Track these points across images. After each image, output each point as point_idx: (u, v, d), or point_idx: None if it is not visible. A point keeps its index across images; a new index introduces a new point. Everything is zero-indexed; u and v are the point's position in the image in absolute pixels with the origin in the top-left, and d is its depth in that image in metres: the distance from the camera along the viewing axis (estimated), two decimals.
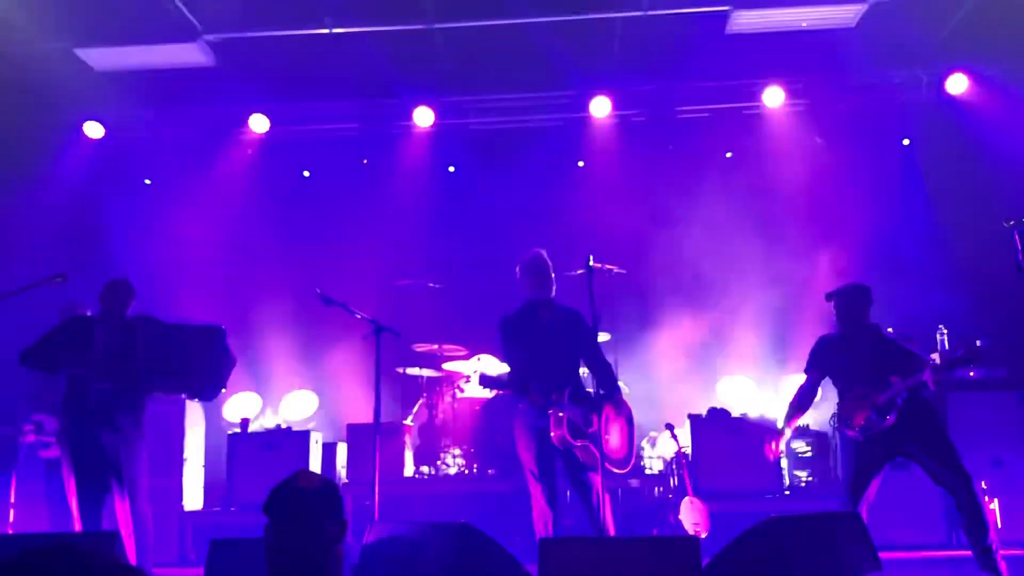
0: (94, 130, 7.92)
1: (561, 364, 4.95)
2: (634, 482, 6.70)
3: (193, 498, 6.94)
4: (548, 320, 4.99)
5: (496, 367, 7.27)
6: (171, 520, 6.57)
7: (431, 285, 7.58)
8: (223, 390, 5.22)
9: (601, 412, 4.80)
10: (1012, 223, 4.36)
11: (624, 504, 6.45)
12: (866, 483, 4.78)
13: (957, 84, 7.41)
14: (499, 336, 5.06)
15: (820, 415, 7.30)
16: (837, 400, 5.15)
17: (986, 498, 6.03)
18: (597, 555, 3.28)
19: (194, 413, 7.02)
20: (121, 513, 4.78)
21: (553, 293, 5.03)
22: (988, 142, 7.35)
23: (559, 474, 4.86)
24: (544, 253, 5.08)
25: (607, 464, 4.77)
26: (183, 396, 5.06)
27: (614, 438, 4.91)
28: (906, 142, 7.94)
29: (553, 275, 5.02)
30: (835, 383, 5.14)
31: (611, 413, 4.94)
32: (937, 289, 7.29)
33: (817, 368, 5.14)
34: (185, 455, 6.81)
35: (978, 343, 5.96)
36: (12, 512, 6.60)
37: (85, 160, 8.02)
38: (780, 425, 5.15)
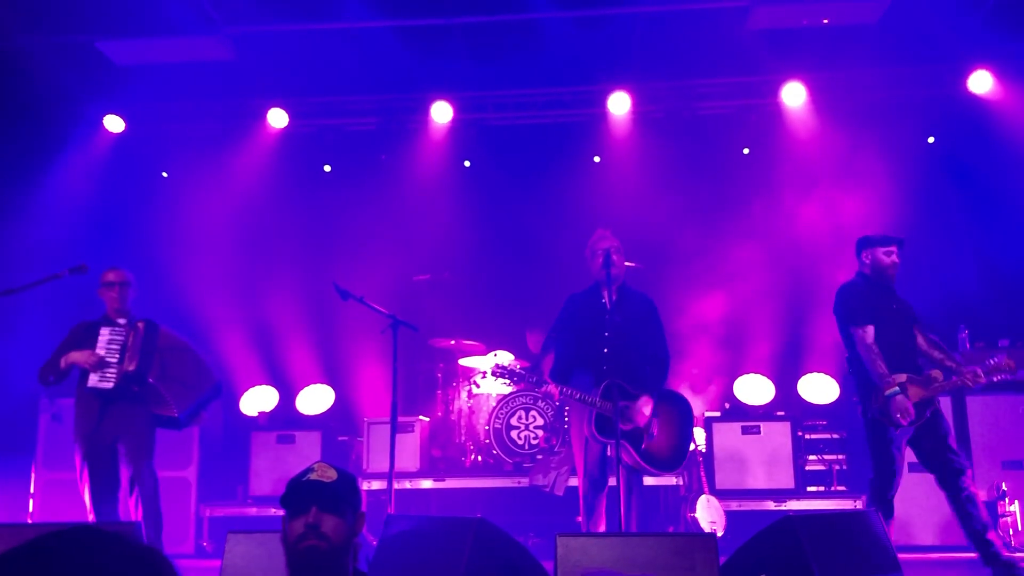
0: (114, 124, 7.95)
1: (616, 353, 4.73)
2: (650, 479, 6.67)
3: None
4: (610, 305, 4.76)
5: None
6: (187, 512, 6.61)
7: (446, 274, 7.58)
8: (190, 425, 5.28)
9: (643, 409, 4.65)
10: None
11: (640, 501, 6.42)
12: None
13: (981, 81, 7.30)
14: (557, 314, 4.97)
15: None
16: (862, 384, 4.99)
17: (1005, 500, 5.99)
18: (613, 551, 3.26)
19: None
20: (124, 495, 4.85)
21: (617, 275, 4.79)
22: (1014, 139, 7.24)
23: (606, 467, 4.72)
24: (608, 232, 4.88)
25: (646, 464, 4.68)
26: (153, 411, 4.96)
27: (660, 438, 4.74)
28: (931, 140, 7.83)
29: (616, 256, 4.76)
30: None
31: (657, 411, 4.72)
32: (960, 287, 7.21)
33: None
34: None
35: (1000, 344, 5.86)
36: (31, 502, 6.65)
37: (105, 154, 8.07)
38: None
